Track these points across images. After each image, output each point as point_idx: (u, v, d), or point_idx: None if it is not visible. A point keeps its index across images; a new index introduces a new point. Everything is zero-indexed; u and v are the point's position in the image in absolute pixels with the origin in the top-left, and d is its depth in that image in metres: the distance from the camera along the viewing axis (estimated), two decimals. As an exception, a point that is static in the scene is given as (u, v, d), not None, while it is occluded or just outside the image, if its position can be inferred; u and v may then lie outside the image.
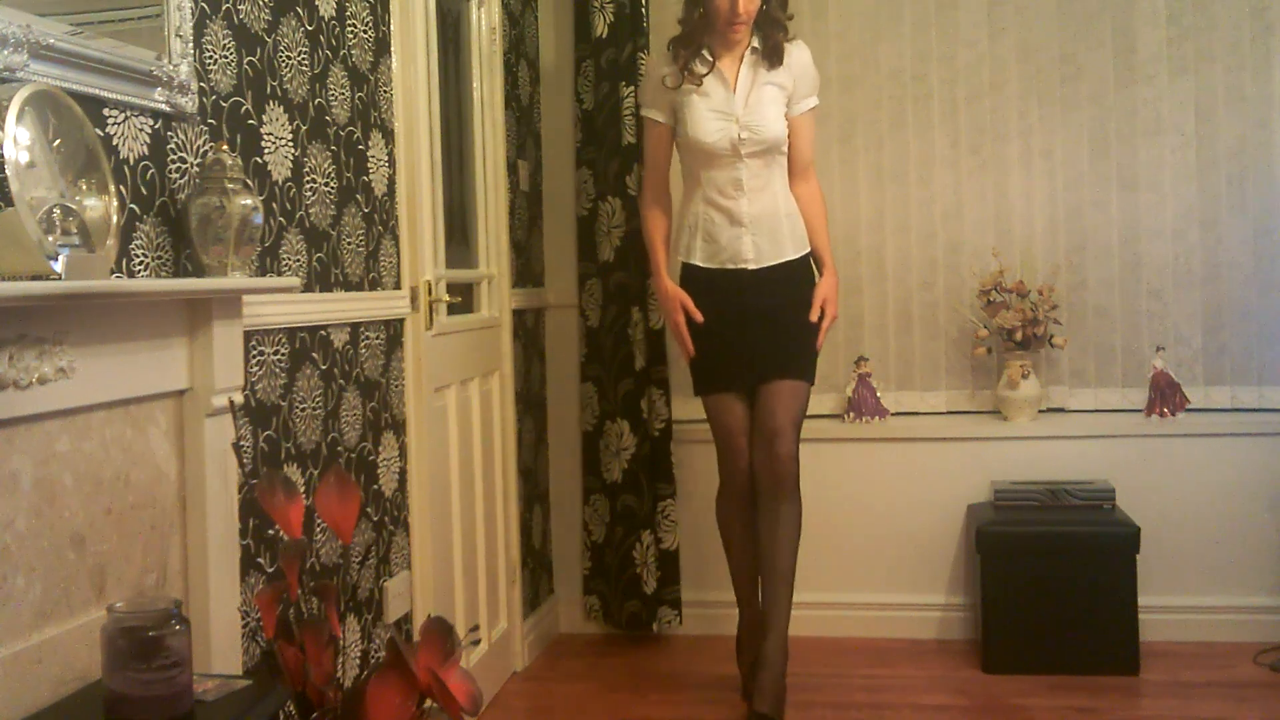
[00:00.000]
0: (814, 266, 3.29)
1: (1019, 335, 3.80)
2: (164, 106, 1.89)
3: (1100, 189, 3.95)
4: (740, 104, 3.16)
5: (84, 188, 1.61)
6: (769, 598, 3.22)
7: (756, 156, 3.16)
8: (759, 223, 3.18)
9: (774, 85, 3.18)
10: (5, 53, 1.52)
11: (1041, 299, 3.84)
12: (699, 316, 3.18)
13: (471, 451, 3.32)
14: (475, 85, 3.51)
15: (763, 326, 3.17)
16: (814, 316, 3.21)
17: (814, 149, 3.33)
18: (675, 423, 3.89)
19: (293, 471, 2.32)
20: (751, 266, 3.18)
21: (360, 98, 2.66)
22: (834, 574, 3.91)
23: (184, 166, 1.97)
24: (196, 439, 1.89)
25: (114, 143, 1.78)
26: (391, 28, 2.84)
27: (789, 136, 3.21)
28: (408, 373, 2.90)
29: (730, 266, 3.19)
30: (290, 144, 2.34)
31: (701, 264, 3.22)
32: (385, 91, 2.80)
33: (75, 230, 1.56)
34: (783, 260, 3.20)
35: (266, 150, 2.24)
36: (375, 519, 2.71)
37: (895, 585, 3.90)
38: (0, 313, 1.45)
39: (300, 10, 2.39)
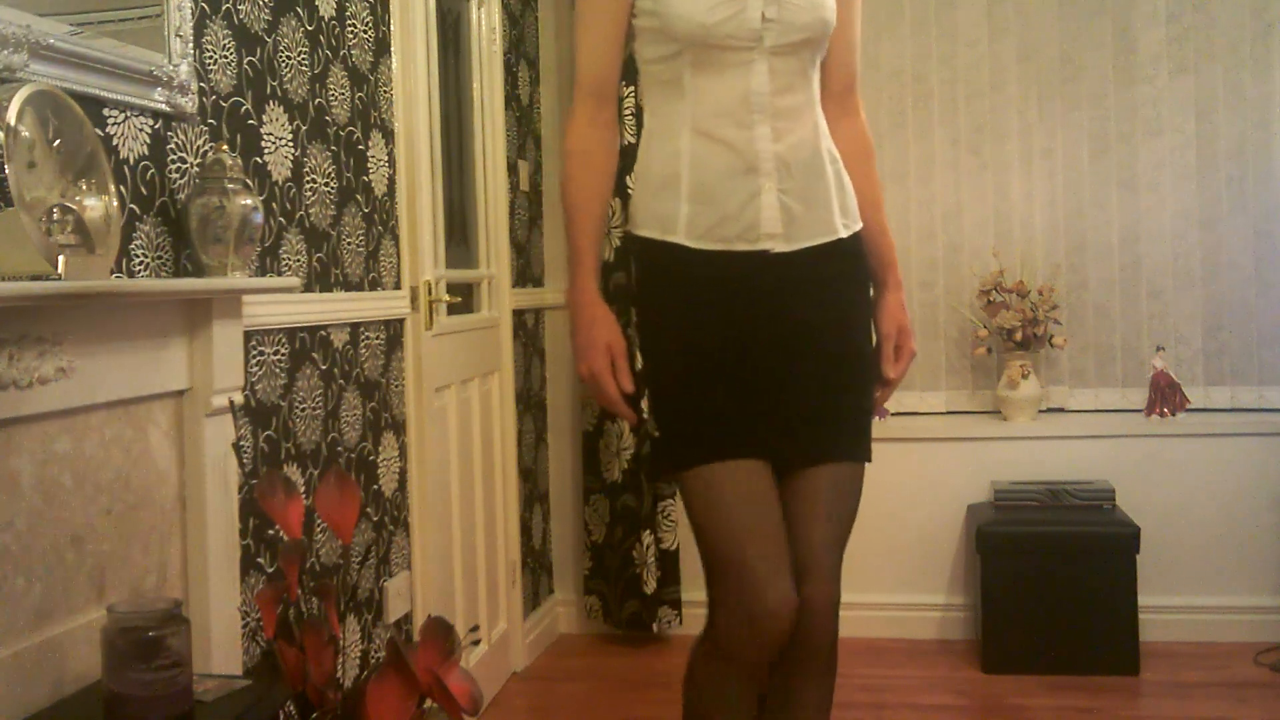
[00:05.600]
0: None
1: (1019, 335, 3.80)
2: (164, 106, 1.88)
3: (1100, 189, 3.95)
4: None
5: (84, 188, 1.61)
6: None
7: (787, 54, 1.82)
8: (790, 169, 1.84)
9: None
10: (5, 53, 1.52)
11: (1041, 299, 3.84)
12: (628, 385, 1.88)
13: (471, 451, 3.32)
14: (475, 85, 3.51)
15: (795, 358, 1.84)
16: (888, 366, 1.95)
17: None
18: (675, 423, 3.89)
19: (293, 471, 2.32)
20: (779, 246, 1.83)
21: (360, 98, 2.66)
22: (834, 574, 3.90)
23: (184, 166, 1.97)
24: (196, 439, 1.89)
25: (114, 143, 1.78)
26: (391, 28, 2.84)
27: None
28: (408, 373, 2.90)
29: (741, 247, 1.83)
30: (290, 144, 2.34)
31: (691, 243, 1.84)
32: (385, 91, 2.80)
33: (75, 230, 1.56)
34: (831, 238, 1.87)
35: (266, 150, 2.24)
36: (375, 519, 2.71)
37: (895, 585, 3.90)
38: (0, 313, 1.45)
39: (300, 10, 2.39)
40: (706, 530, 1.82)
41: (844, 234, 1.89)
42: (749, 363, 1.83)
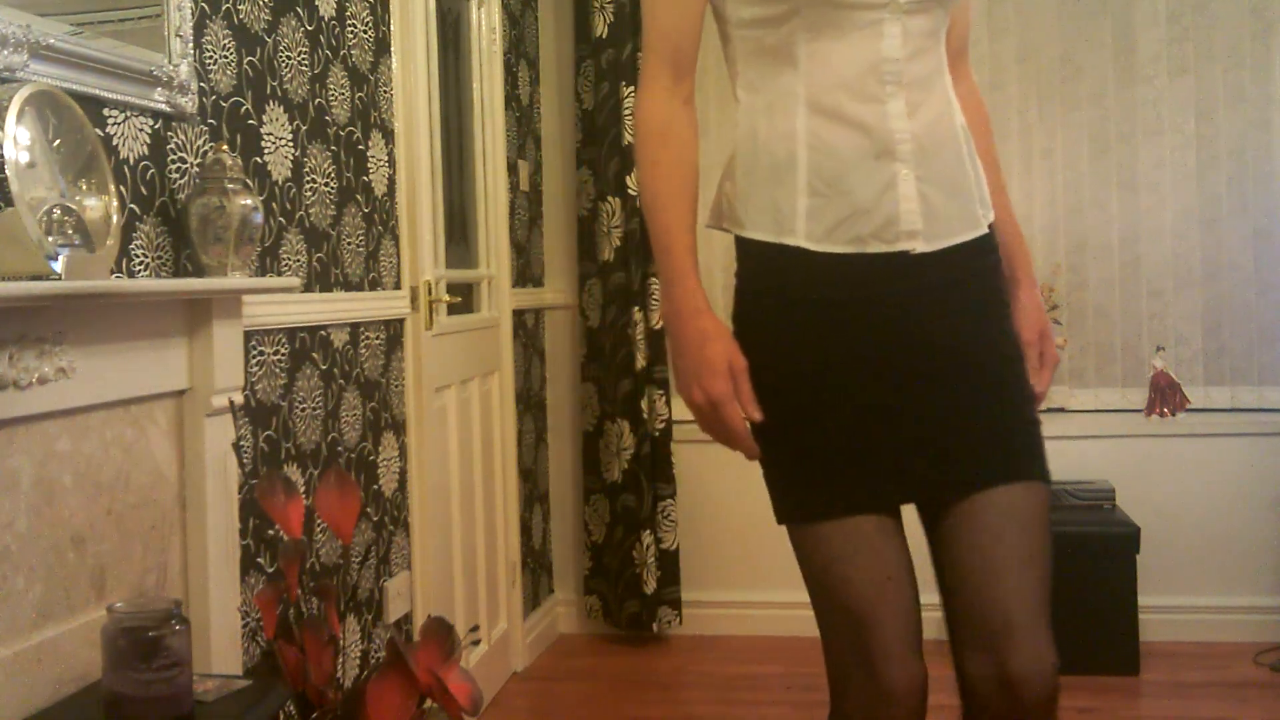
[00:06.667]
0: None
1: (1019, 335, 3.80)
2: (164, 106, 1.88)
3: (1100, 189, 3.95)
4: None
5: (84, 188, 1.61)
6: None
7: (921, 11, 1.53)
8: (928, 151, 1.54)
9: None
10: (5, 53, 1.52)
11: (1041, 299, 3.84)
12: (757, 413, 1.52)
13: (471, 451, 3.32)
14: (475, 85, 3.51)
15: (942, 375, 1.54)
16: (1033, 377, 1.66)
17: None
18: (675, 423, 3.89)
19: (293, 471, 2.32)
20: (920, 246, 1.53)
21: (360, 98, 2.66)
22: (834, 574, 3.91)
23: (184, 166, 1.97)
24: (196, 439, 1.89)
25: (114, 143, 1.78)
26: (391, 28, 2.84)
27: None
28: (408, 373, 2.90)
29: (876, 248, 1.52)
30: (290, 144, 2.34)
31: (812, 245, 1.53)
32: (385, 91, 2.80)
33: (75, 230, 1.56)
34: (975, 234, 1.59)
35: (266, 150, 2.24)
36: (375, 519, 2.71)
37: (895, 585, 3.89)
38: (0, 313, 1.45)
39: (300, 10, 2.39)
40: (822, 597, 1.56)
41: (986, 229, 1.60)
42: (885, 386, 1.52)
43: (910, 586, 1.58)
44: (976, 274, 1.59)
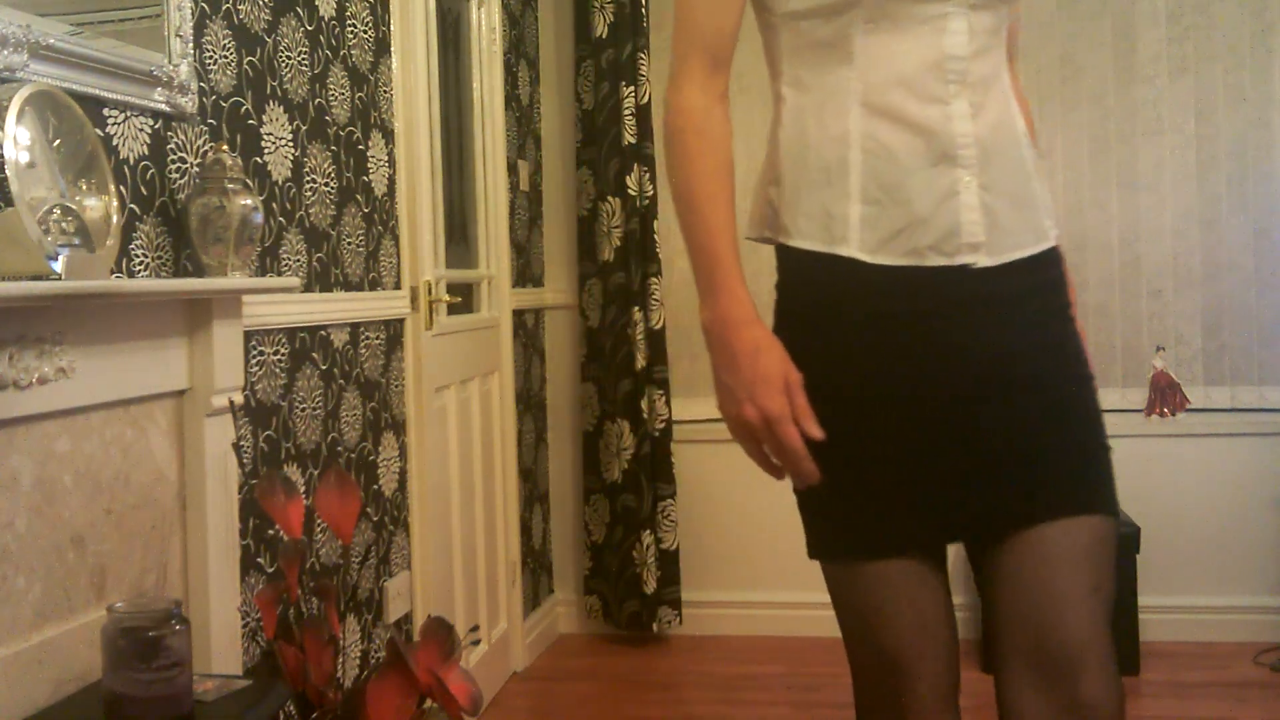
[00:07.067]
0: None
1: (1019, 335, 3.80)
2: (164, 106, 1.89)
3: (1100, 189, 3.95)
4: None
5: (84, 188, 1.61)
6: None
7: (987, 7, 1.43)
8: (991, 157, 1.43)
9: None
10: (5, 53, 1.52)
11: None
12: (817, 430, 1.36)
13: (471, 451, 3.32)
14: (475, 85, 3.51)
15: (1003, 397, 1.42)
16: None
17: None
18: (675, 423, 3.89)
19: (293, 471, 2.32)
20: (982, 260, 1.42)
21: (360, 98, 2.66)
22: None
23: (184, 166, 1.97)
24: (196, 439, 1.89)
25: (114, 143, 1.78)
26: (391, 28, 2.84)
27: None
28: (408, 373, 2.90)
29: (935, 261, 1.41)
30: (290, 144, 2.34)
31: (866, 256, 1.41)
32: (385, 91, 2.80)
33: (75, 230, 1.56)
34: (1041, 247, 1.49)
35: (266, 150, 2.24)
36: (375, 519, 2.71)
37: (895, 585, 3.89)
38: (0, 313, 1.45)
39: (300, 10, 2.39)
40: (856, 641, 1.47)
41: (1053, 241, 1.50)
42: (940, 410, 1.40)
43: (951, 637, 1.47)
44: (1040, 289, 1.47)
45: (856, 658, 1.48)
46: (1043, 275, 1.47)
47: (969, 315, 1.41)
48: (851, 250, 1.40)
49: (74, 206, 1.57)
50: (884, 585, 1.42)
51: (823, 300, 1.44)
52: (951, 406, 1.40)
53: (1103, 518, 1.46)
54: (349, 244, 2.60)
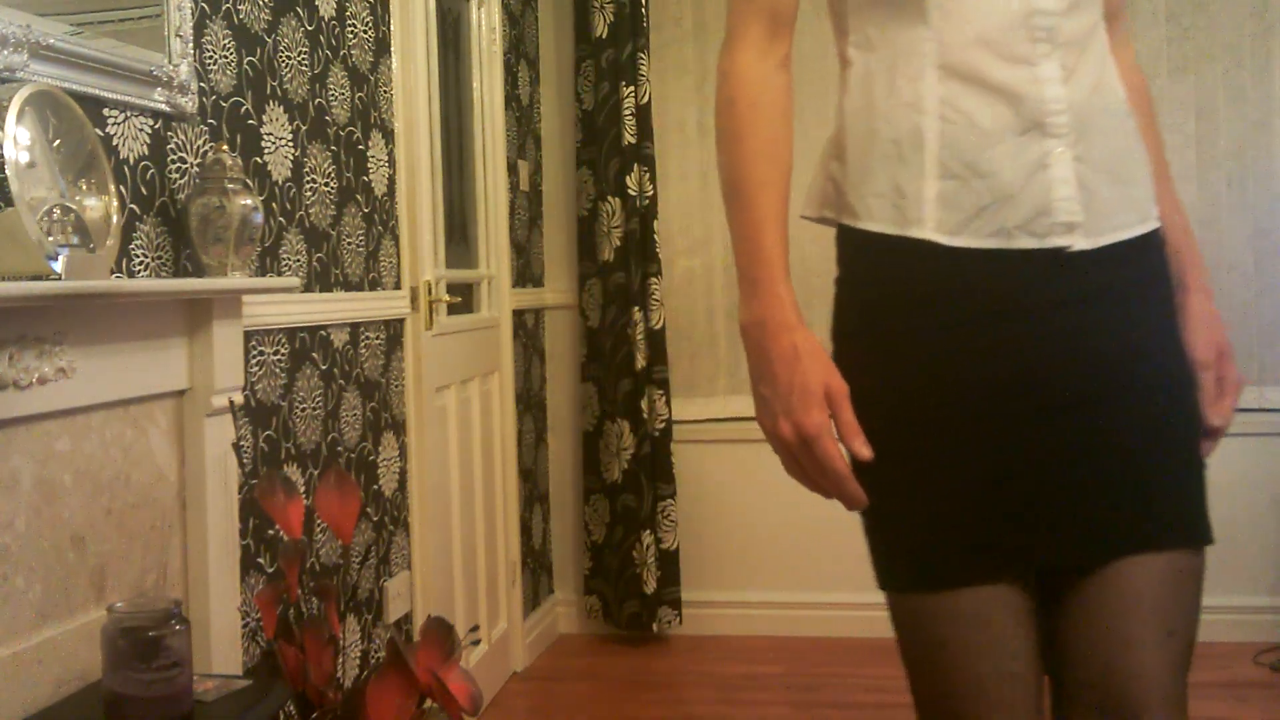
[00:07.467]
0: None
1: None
2: (164, 106, 1.89)
3: (1100, 189, 3.95)
4: None
5: (84, 188, 1.61)
6: None
7: None
8: (1088, 126, 1.25)
9: None
10: (5, 53, 1.52)
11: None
12: (866, 450, 1.20)
13: (471, 451, 3.32)
14: (475, 85, 3.51)
15: (1099, 405, 1.25)
16: (1209, 407, 1.32)
17: None
18: (675, 423, 3.89)
19: (293, 471, 2.32)
20: (1078, 242, 1.24)
21: (360, 98, 2.66)
22: (835, 574, 3.90)
23: (184, 166, 1.97)
24: (196, 439, 1.89)
25: (114, 143, 1.78)
26: (391, 28, 2.84)
27: None
28: (408, 373, 2.90)
29: (1024, 243, 1.23)
30: (290, 144, 2.34)
31: (944, 239, 1.24)
32: (385, 91, 2.80)
33: (75, 230, 1.56)
34: (1146, 228, 1.30)
35: (266, 150, 2.24)
36: (375, 519, 2.71)
37: (895, 585, 3.89)
38: (0, 313, 1.45)
39: (300, 10, 2.39)
40: (924, 684, 1.28)
41: (1155, 223, 1.30)
42: (1026, 417, 1.23)
43: (1036, 683, 1.26)
44: (1142, 279, 1.28)
45: (924, 704, 1.30)
46: (1145, 264, 1.29)
47: (1062, 307, 1.23)
48: (927, 232, 1.23)
49: (74, 206, 1.57)
50: (959, 618, 1.23)
51: (896, 290, 1.26)
52: (1039, 413, 1.23)
53: (1193, 553, 1.26)
54: (349, 244, 2.60)
